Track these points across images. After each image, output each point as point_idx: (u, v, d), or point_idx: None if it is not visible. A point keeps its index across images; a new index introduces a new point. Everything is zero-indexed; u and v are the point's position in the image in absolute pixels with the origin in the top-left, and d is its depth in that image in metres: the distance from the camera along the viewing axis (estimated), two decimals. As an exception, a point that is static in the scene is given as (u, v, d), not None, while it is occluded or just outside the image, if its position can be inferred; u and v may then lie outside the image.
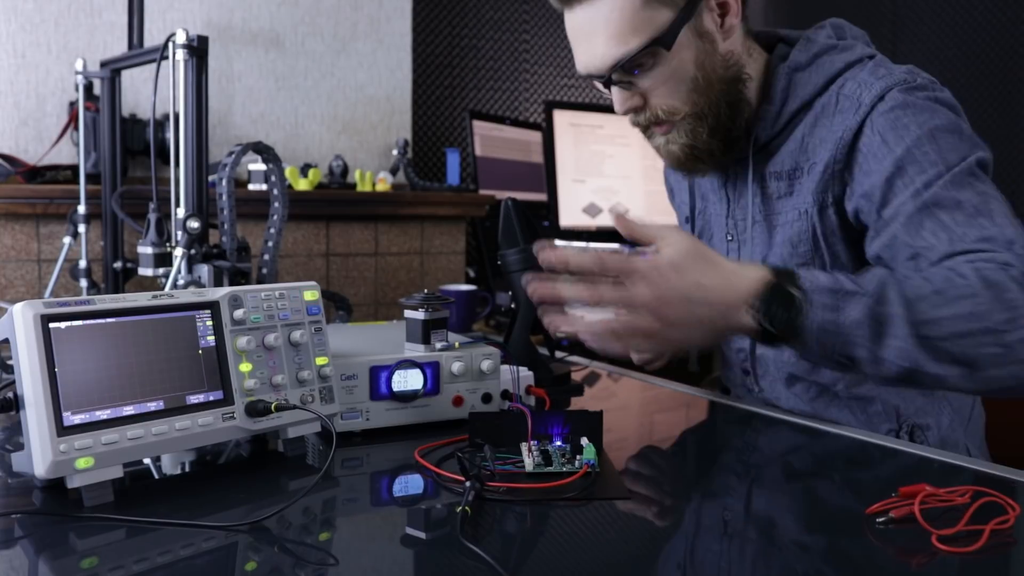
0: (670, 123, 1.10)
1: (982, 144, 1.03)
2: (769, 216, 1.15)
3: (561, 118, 2.91)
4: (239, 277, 1.46)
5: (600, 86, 1.11)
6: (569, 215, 2.86)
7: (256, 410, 0.86)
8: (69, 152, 2.06)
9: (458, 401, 1.05)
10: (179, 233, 1.46)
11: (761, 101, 1.14)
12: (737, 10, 1.09)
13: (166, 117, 1.91)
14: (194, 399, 0.83)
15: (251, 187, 2.12)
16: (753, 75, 1.14)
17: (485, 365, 1.06)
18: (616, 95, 1.10)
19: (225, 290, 0.88)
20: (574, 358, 1.56)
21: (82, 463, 0.75)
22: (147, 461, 0.92)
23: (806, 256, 1.10)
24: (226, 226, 1.46)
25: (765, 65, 1.16)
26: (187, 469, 0.92)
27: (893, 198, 1.00)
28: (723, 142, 1.12)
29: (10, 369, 0.81)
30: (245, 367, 0.87)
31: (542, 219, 2.75)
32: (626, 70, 1.06)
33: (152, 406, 0.80)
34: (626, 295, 0.86)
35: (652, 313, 0.86)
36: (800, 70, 1.12)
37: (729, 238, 1.21)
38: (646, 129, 1.14)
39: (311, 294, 0.95)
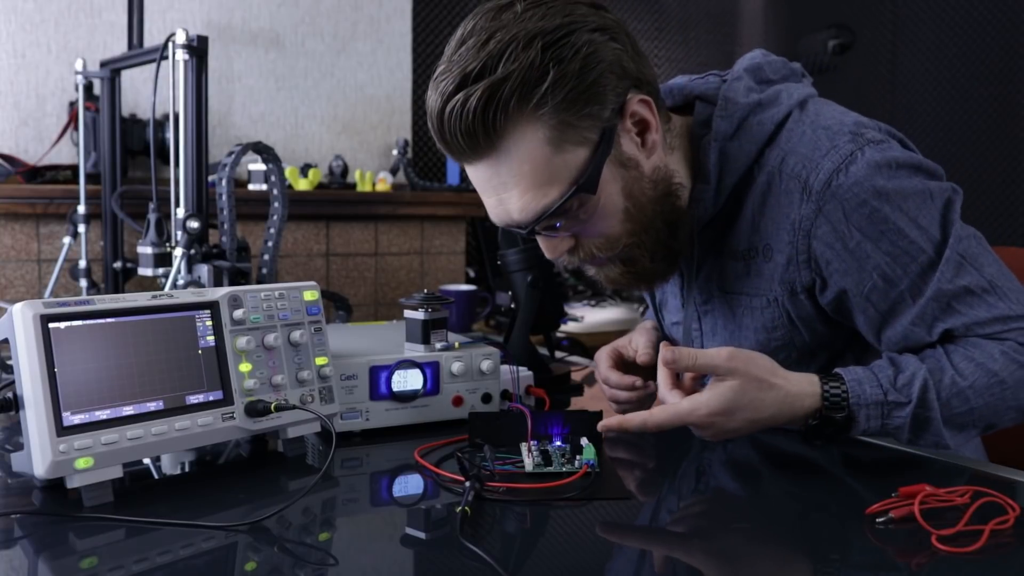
0: (606, 259, 1.02)
1: (941, 176, 1.00)
2: (729, 295, 1.10)
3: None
4: (239, 277, 1.46)
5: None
6: (569, 215, 2.85)
7: (256, 410, 0.86)
8: (69, 152, 2.06)
9: (458, 401, 1.05)
10: (179, 233, 1.46)
11: (695, 179, 1.05)
12: (656, 124, 0.96)
13: (166, 117, 1.91)
14: (194, 399, 0.83)
15: (251, 187, 2.12)
16: (680, 167, 1.04)
17: (485, 365, 1.06)
18: (544, 243, 1.00)
19: (225, 290, 0.88)
20: (574, 358, 1.56)
21: (82, 463, 0.75)
22: (147, 461, 0.92)
23: (784, 339, 1.07)
24: (226, 226, 1.46)
25: (688, 136, 1.06)
26: (187, 469, 0.92)
27: (892, 292, 0.98)
28: (666, 261, 1.04)
29: (10, 369, 0.81)
30: (245, 367, 0.87)
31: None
32: (550, 220, 0.95)
33: (152, 406, 0.80)
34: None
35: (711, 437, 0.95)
36: (729, 139, 1.02)
37: (686, 306, 1.17)
38: (582, 262, 1.04)
39: (311, 294, 0.95)
